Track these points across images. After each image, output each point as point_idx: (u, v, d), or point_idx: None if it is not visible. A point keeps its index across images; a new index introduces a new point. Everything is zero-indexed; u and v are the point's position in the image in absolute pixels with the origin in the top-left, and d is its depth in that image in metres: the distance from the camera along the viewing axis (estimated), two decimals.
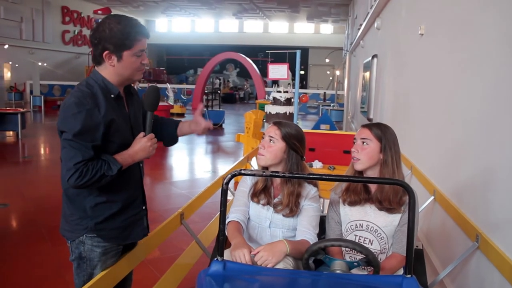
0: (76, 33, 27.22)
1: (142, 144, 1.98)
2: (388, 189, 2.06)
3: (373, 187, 2.14)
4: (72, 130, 1.78)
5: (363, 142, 2.13)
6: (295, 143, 2.18)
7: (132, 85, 2.20)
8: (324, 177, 1.65)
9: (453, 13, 3.36)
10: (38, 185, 7.05)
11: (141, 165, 2.18)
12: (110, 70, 1.94)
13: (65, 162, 1.81)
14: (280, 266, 1.82)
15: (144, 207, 2.20)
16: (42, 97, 19.24)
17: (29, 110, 15.95)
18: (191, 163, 9.68)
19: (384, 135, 2.12)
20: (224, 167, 8.69)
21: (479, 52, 2.70)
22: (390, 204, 2.05)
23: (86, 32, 27.78)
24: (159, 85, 17.34)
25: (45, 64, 23.35)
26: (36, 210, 5.50)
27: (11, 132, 11.55)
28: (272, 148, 2.17)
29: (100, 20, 1.92)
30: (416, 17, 4.68)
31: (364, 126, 2.20)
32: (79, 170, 1.78)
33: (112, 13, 1.99)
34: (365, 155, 2.11)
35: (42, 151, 10.44)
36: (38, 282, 3.60)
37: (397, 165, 2.11)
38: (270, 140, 2.18)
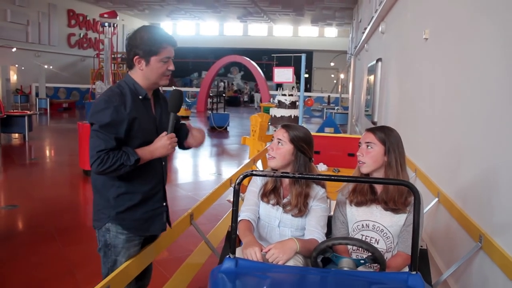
0: (81, 36, 27.37)
1: (163, 142, 2.16)
2: (393, 190, 2.13)
3: (379, 188, 2.20)
4: (99, 122, 2.02)
5: (368, 146, 2.20)
6: (303, 145, 2.27)
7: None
8: (332, 177, 1.71)
9: (457, 18, 3.41)
10: (46, 186, 7.14)
11: (163, 163, 2.32)
12: (140, 74, 2.17)
13: (91, 150, 2.02)
14: (290, 263, 1.90)
15: (164, 204, 2.35)
16: (48, 99, 19.32)
17: (35, 112, 16.05)
18: (196, 166, 9.74)
19: (388, 138, 2.18)
20: (229, 169, 8.75)
21: (483, 56, 2.76)
22: (395, 204, 2.12)
23: (92, 35, 27.94)
24: (164, 88, 17.47)
25: (51, 67, 23.48)
26: (45, 211, 5.57)
27: (17, 135, 11.64)
28: (280, 150, 2.26)
29: (133, 30, 2.19)
30: (421, 21, 4.73)
31: (368, 130, 2.27)
32: (100, 157, 1.98)
33: (146, 25, 2.25)
34: (370, 158, 2.19)
35: (48, 153, 10.53)
36: (47, 282, 3.66)
37: (401, 166, 2.17)
38: (279, 142, 2.28)
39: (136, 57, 2.12)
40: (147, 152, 2.13)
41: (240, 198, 2.34)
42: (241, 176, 1.73)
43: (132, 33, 2.16)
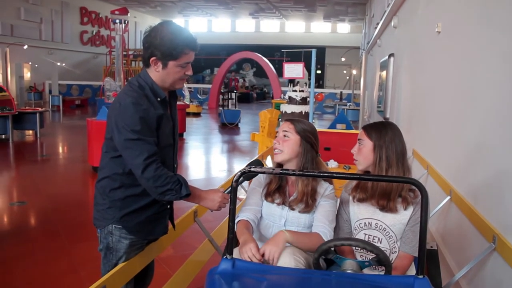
0: (94, 33, 27.53)
1: (216, 197, 2.11)
2: (382, 188, 2.04)
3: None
4: (133, 128, 1.89)
5: (360, 143, 2.15)
6: (310, 136, 2.20)
7: None
8: (334, 175, 1.62)
9: (470, 10, 3.30)
10: (56, 183, 7.15)
11: (175, 165, 2.25)
12: (156, 75, 2.04)
13: (132, 160, 1.91)
14: (291, 265, 1.80)
15: (169, 206, 2.27)
16: (61, 96, 19.48)
17: (48, 109, 16.16)
18: (207, 162, 9.70)
19: (378, 134, 2.09)
20: (240, 166, 8.69)
21: (497, 50, 2.65)
22: (387, 205, 2.03)
23: (104, 32, 28.08)
24: None
25: (63, 64, 23.66)
26: (53, 207, 5.57)
27: (30, 131, 11.72)
28: (288, 142, 2.18)
29: (153, 25, 2.04)
30: (433, 15, 4.61)
31: (362, 127, 2.20)
32: (152, 163, 1.90)
33: (166, 20, 2.10)
34: (361, 155, 2.13)
35: (60, 150, 10.57)
36: (54, 278, 3.64)
37: (390, 164, 2.05)
38: (285, 135, 2.19)
39: (153, 58, 1.98)
40: (197, 194, 2.08)
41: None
42: (239, 174, 1.65)
43: (152, 30, 2.00)
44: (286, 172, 1.75)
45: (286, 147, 2.18)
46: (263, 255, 1.84)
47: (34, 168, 8.23)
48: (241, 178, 1.72)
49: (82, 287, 3.46)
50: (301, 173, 1.68)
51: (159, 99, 2.04)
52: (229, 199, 1.71)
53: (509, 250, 2.15)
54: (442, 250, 3.28)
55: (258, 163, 2.13)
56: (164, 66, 1.99)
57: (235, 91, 17.48)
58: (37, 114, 11.11)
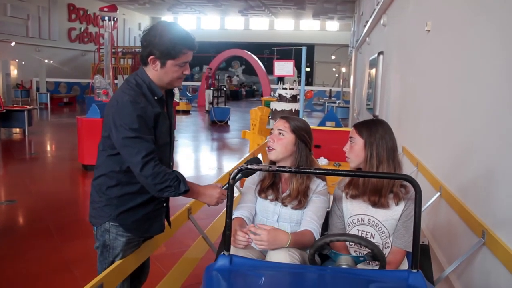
0: (82, 30, 27.31)
1: (214, 193, 2.13)
2: (373, 184, 2.07)
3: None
4: (131, 126, 1.91)
5: (351, 141, 2.18)
6: (304, 135, 2.22)
7: None
8: (330, 172, 1.65)
9: (460, 9, 3.35)
10: (45, 181, 7.11)
11: (171, 163, 2.28)
12: (153, 73, 2.06)
13: (130, 158, 1.93)
14: (287, 261, 1.83)
15: (165, 204, 2.29)
16: (49, 94, 19.31)
17: (36, 107, 16.01)
18: (196, 160, 9.70)
19: (369, 132, 2.13)
20: (230, 163, 8.71)
21: (487, 49, 2.69)
22: (379, 200, 2.07)
23: (92, 29, 27.88)
24: None
25: (51, 62, 23.44)
26: (44, 206, 5.53)
27: (18, 129, 11.61)
28: (282, 141, 2.20)
29: (152, 24, 2.07)
30: (423, 13, 4.66)
31: (354, 125, 2.23)
32: (150, 160, 1.92)
33: (164, 20, 2.14)
34: (353, 153, 2.16)
35: (48, 148, 10.49)
36: (45, 277, 3.63)
37: (380, 160, 2.08)
38: (280, 133, 2.21)
39: (152, 57, 2.00)
40: (195, 190, 2.10)
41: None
42: (236, 171, 1.68)
43: (151, 29, 2.02)
44: (283, 169, 1.78)
45: (281, 145, 2.20)
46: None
47: (23, 166, 8.16)
48: (239, 175, 1.74)
49: (77, 285, 3.46)
50: (297, 170, 1.71)
51: (156, 97, 2.06)
52: (226, 196, 1.73)
53: (498, 244, 2.20)
54: (432, 246, 3.33)
55: (256, 160, 2.15)
56: (162, 65, 2.02)
57: (224, 88, 17.50)
58: (26, 112, 11.00)
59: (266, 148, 2.25)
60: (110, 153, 2.05)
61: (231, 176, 1.68)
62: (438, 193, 3.38)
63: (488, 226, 2.38)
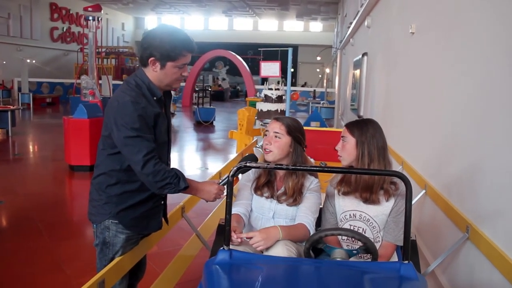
0: (64, 30, 27.01)
1: (212, 189, 2.20)
2: (365, 181, 2.17)
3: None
4: (132, 126, 1.97)
5: (343, 140, 2.28)
6: (299, 135, 2.32)
7: None
8: (325, 169, 1.74)
9: (444, 12, 3.45)
10: (31, 182, 7.06)
11: (169, 162, 2.34)
12: (153, 75, 2.13)
13: (132, 156, 1.99)
14: (284, 254, 1.92)
15: (163, 202, 2.35)
16: (31, 94, 19.04)
17: (18, 107, 15.80)
18: (182, 160, 9.71)
19: (360, 131, 2.22)
20: (215, 163, 8.75)
21: (469, 50, 2.80)
22: (370, 197, 2.16)
23: (75, 29, 27.58)
24: None
25: (33, 61, 23.12)
26: (32, 206, 5.51)
27: (0, 130, 11.46)
28: (279, 143, 2.28)
29: (151, 28, 2.14)
30: (407, 15, 4.77)
31: (345, 124, 2.33)
32: (151, 159, 1.98)
33: (165, 23, 2.21)
34: (345, 152, 2.26)
35: (32, 149, 10.39)
36: (38, 277, 3.63)
37: (371, 159, 2.18)
38: (276, 136, 2.29)
39: (152, 58, 2.07)
40: (193, 186, 2.16)
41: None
42: (235, 168, 1.75)
43: (151, 31, 2.10)
44: (281, 166, 1.86)
45: (277, 148, 2.28)
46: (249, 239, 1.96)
47: (8, 167, 8.09)
48: (237, 172, 1.81)
49: (70, 284, 3.49)
50: (294, 167, 1.79)
51: (155, 98, 2.13)
52: (226, 193, 1.80)
53: (482, 238, 2.31)
54: (418, 242, 3.44)
55: (253, 158, 2.22)
56: (162, 66, 2.09)
57: (209, 89, 17.50)
58: (9, 113, 10.87)
59: (263, 150, 2.32)
60: (110, 152, 2.10)
61: (230, 174, 1.76)
62: (423, 191, 3.49)
63: (471, 221, 2.49)
